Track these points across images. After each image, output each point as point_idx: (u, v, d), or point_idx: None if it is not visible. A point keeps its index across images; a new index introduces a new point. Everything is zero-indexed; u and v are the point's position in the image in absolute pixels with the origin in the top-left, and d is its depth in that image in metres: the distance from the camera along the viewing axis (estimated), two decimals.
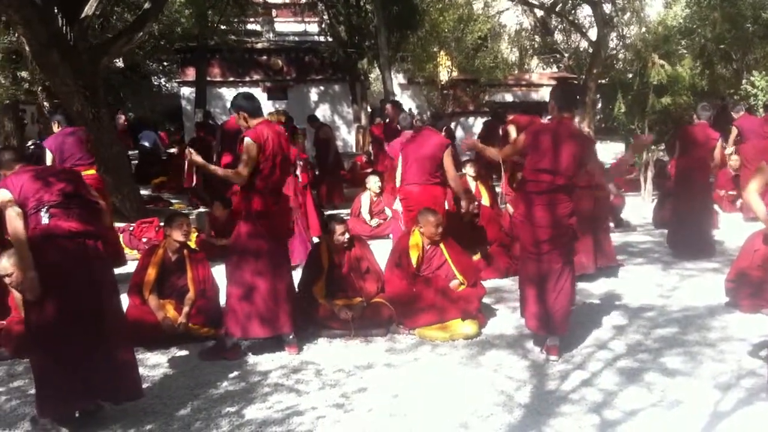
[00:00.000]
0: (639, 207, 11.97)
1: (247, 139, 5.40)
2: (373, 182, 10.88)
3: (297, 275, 6.45)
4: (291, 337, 5.70)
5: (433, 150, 7.36)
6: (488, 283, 7.31)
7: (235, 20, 22.12)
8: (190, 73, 22.34)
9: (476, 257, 8.16)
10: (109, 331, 4.41)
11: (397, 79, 24.23)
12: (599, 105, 26.86)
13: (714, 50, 20.81)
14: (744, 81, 20.30)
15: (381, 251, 7.30)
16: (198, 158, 5.57)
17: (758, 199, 4.90)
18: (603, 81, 23.35)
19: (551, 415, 4.37)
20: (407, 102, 24.82)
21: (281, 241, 5.77)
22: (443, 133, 7.50)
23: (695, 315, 6.43)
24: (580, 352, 5.51)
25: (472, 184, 9.55)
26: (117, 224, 10.09)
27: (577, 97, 5.00)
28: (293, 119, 11.83)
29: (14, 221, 4.21)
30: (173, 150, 18.43)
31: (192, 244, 8.37)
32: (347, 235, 6.49)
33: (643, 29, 23.68)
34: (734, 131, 11.55)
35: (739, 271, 6.55)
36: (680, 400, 4.54)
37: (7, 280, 5.56)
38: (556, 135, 5.38)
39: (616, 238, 10.01)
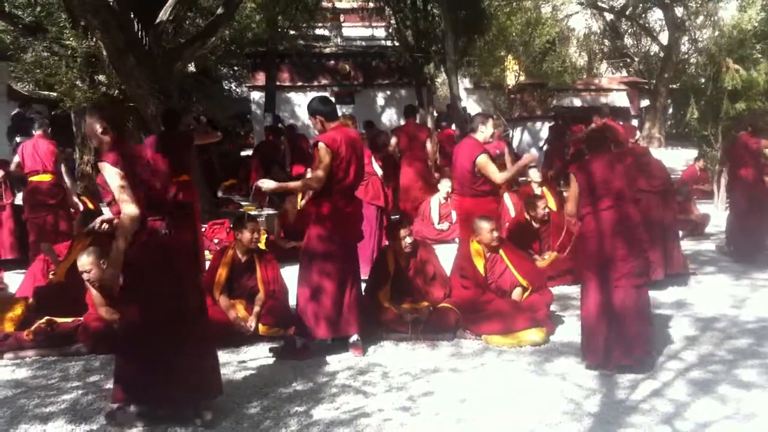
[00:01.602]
0: (712, 215, 11.67)
1: (320, 144, 5.50)
2: (444, 185, 10.91)
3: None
4: (356, 339, 5.77)
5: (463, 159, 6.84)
6: (555, 290, 7.26)
7: (304, 25, 22.36)
8: (260, 78, 22.68)
9: (544, 262, 8.12)
10: (194, 330, 4.52)
11: (463, 83, 24.15)
12: (670, 110, 26.34)
13: None
14: None
15: (447, 255, 7.32)
16: (270, 184, 5.66)
17: None
18: (674, 86, 22.91)
19: (621, 426, 4.33)
20: (473, 106, 24.73)
21: (351, 244, 5.84)
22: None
23: None
24: (651, 362, 5.43)
25: (538, 190, 9.50)
26: None
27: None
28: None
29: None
30: (243, 153, 18.75)
31: (261, 246, 8.56)
32: (411, 239, 6.54)
33: (717, 33, 23.14)
34: None
35: None
36: (755, 413, 4.44)
37: (85, 276, 5.77)
38: None
39: (687, 246, 9.83)
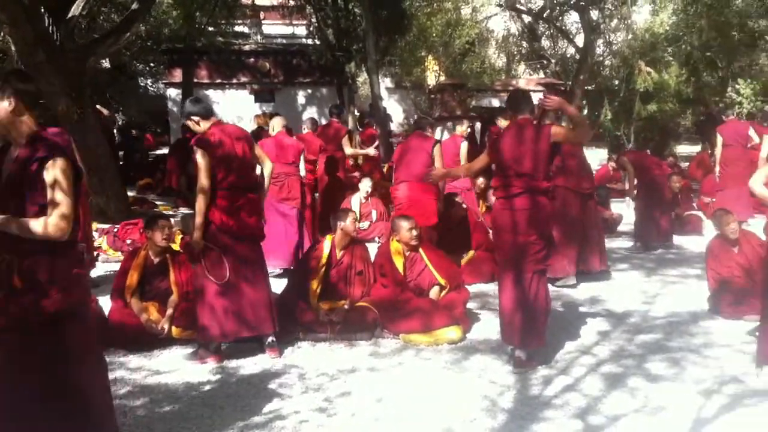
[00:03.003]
0: (624, 214, 11.97)
1: (195, 148, 5.46)
2: (365, 185, 10.89)
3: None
4: (272, 339, 5.68)
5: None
6: (472, 288, 7.32)
7: (223, 22, 22.07)
8: (177, 75, 22.25)
9: (464, 261, 8.20)
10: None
11: (385, 83, 24.25)
12: (585, 111, 26.99)
13: (700, 58, 21.00)
14: (729, 89, 20.48)
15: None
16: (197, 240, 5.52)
17: (764, 188, 4.95)
18: (589, 87, 23.48)
19: (534, 420, 4.37)
20: (394, 106, 24.85)
21: (251, 241, 5.71)
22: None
23: (678, 321, 6.46)
24: (564, 357, 5.51)
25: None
26: (101, 225, 10.05)
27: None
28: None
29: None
30: (159, 151, 18.37)
31: (176, 246, 8.34)
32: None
33: (630, 36, 23.87)
34: (719, 138, 11.63)
35: (719, 279, 6.62)
36: (663, 406, 4.55)
37: None
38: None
39: None
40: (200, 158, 5.40)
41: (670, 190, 10.78)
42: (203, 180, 5.41)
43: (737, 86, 19.45)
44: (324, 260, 6.45)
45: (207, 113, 5.60)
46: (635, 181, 10.03)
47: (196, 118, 5.56)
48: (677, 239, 10.23)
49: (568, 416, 4.43)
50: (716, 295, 6.62)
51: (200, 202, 5.42)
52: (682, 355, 5.53)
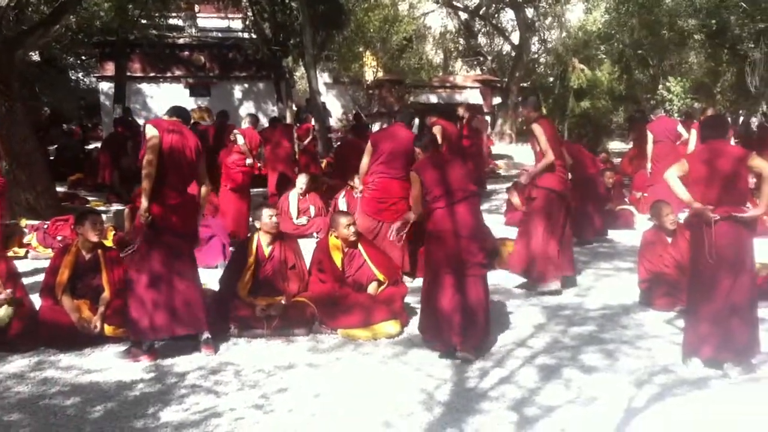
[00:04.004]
0: None
1: (148, 126, 5.46)
2: (301, 180, 10.86)
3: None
4: (207, 337, 5.61)
5: None
6: (411, 283, 7.35)
7: (157, 14, 21.65)
8: (109, 68, 21.77)
9: None
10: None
11: (323, 78, 24.16)
12: (521, 108, 27.34)
13: (632, 56, 21.45)
14: (660, 86, 20.99)
15: (306, 250, 7.26)
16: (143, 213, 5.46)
17: (679, 182, 5.15)
18: (525, 84, 23.81)
19: (470, 413, 4.41)
20: (332, 101, 24.76)
21: (185, 237, 5.64)
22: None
23: (612, 313, 6.59)
24: (500, 350, 5.57)
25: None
26: (31, 222, 9.77)
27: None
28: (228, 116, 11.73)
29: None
30: (91, 146, 17.96)
31: (109, 243, 8.16)
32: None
33: (564, 34, 24.28)
34: (649, 135, 11.94)
35: (651, 271, 6.76)
36: (596, 396, 4.64)
37: None
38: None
39: None
40: (151, 135, 5.37)
41: (603, 185, 11.00)
42: (152, 157, 5.33)
43: (668, 84, 19.96)
44: (252, 256, 6.40)
45: (173, 113, 5.77)
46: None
47: (166, 117, 5.74)
48: (609, 233, 10.43)
49: (503, 408, 4.48)
50: (649, 287, 6.76)
51: (147, 182, 5.35)
52: (615, 346, 5.64)
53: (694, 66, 24.85)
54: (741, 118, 23.01)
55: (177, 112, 5.84)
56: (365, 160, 7.87)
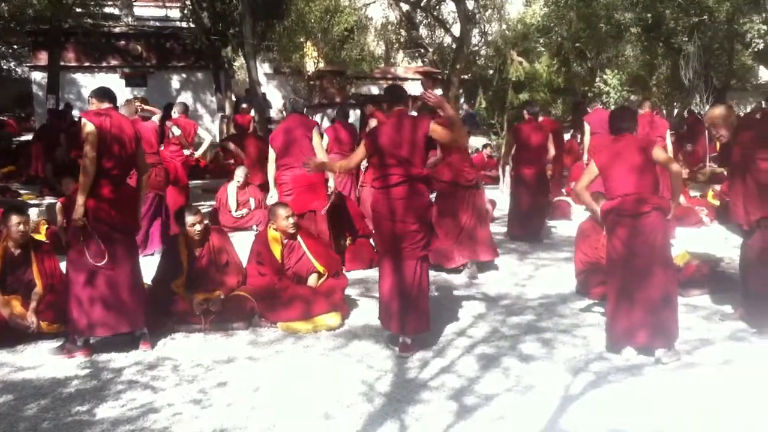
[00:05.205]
0: (498, 200, 12.29)
1: (84, 120, 5.29)
2: (240, 173, 10.73)
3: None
4: (144, 332, 5.52)
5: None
6: (352, 275, 7.34)
7: (92, 2, 21.15)
8: (43, 58, 21.13)
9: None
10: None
11: (263, 68, 23.91)
12: (462, 100, 27.52)
13: (570, 48, 21.75)
14: (598, 79, 21.34)
15: (245, 242, 7.20)
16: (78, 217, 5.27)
17: (587, 194, 5.59)
18: (466, 76, 23.93)
19: (411, 403, 4.43)
20: (273, 92, 24.55)
21: (125, 231, 5.53)
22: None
23: (549, 302, 6.69)
24: (440, 340, 5.61)
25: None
26: None
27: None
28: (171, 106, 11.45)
29: None
30: (23, 138, 17.48)
31: (42, 237, 7.94)
32: (199, 227, 6.31)
33: (504, 26, 24.47)
34: (586, 126, 12.13)
35: (587, 261, 6.88)
36: (534, 385, 4.70)
37: None
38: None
39: None
40: (89, 129, 5.23)
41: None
42: (90, 152, 5.21)
43: (605, 76, 20.29)
44: (183, 254, 6.30)
45: (103, 96, 5.59)
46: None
47: (92, 100, 5.56)
48: (548, 224, 10.57)
49: (443, 398, 4.51)
50: (585, 277, 6.88)
51: (85, 177, 5.22)
52: (552, 335, 5.74)
53: (631, 59, 25.34)
54: (675, 111, 23.60)
55: (105, 93, 5.65)
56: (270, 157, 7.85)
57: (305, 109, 15.13)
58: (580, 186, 5.61)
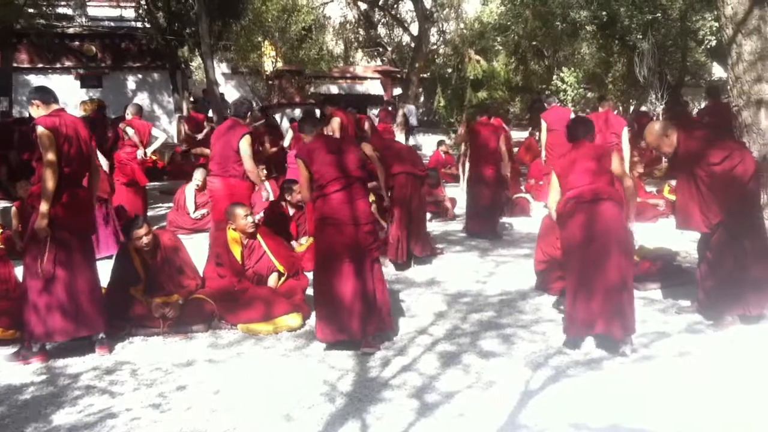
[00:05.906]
0: (458, 198, 12.35)
1: (39, 128, 5.12)
2: (198, 175, 10.61)
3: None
4: (101, 336, 5.43)
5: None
6: (311, 274, 7.30)
7: (44, 3, 20.75)
8: None
9: (302, 248, 8.15)
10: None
11: (221, 68, 23.73)
12: (422, 99, 27.61)
13: (527, 47, 21.97)
14: (555, 76, 21.55)
15: (204, 244, 7.13)
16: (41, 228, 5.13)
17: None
18: (425, 75, 24.04)
19: (372, 402, 4.43)
20: (231, 91, 24.37)
21: (81, 235, 5.44)
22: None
23: (510, 299, 6.74)
24: (402, 339, 5.62)
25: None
26: None
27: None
28: (105, 108, 11.30)
29: None
30: None
31: None
32: (146, 240, 6.07)
33: (461, 25, 24.63)
34: (543, 123, 12.23)
35: (547, 256, 6.93)
36: (494, 381, 4.73)
37: None
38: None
39: (437, 227, 10.37)
40: (45, 137, 5.09)
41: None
42: (50, 158, 5.08)
43: (562, 74, 20.52)
44: (138, 264, 6.14)
45: (48, 99, 5.35)
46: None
47: (36, 102, 5.30)
48: (506, 221, 10.64)
49: (405, 396, 4.52)
50: (545, 272, 6.93)
51: (48, 183, 5.08)
52: (512, 331, 5.77)
53: (587, 57, 25.63)
54: (632, 108, 23.93)
55: (50, 93, 5.43)
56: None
57: (261, 111, 15.07)
58: (551, 201, 5.68)
